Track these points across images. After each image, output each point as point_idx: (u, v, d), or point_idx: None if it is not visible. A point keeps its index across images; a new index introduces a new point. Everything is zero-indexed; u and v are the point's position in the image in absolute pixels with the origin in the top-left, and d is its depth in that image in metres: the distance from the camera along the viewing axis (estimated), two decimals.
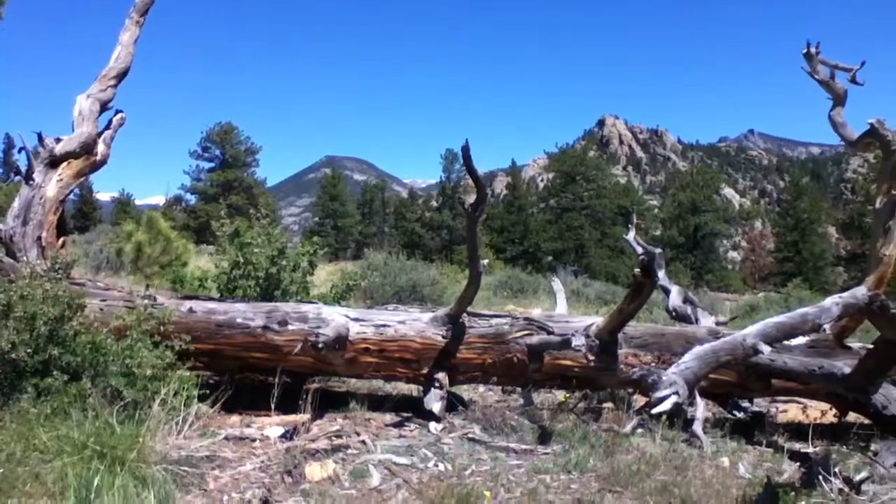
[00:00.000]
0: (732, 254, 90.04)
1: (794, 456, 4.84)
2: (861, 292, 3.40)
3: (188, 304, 5.72)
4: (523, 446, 4.85)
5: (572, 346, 4.85)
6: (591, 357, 5.37)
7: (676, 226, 57.99)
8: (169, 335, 5.07)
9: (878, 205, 5.38)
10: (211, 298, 6.29)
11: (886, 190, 5.28)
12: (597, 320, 5.61)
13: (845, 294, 3.40)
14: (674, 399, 2.68)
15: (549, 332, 5.47)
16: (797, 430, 5.55)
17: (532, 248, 55.96)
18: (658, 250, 7.30)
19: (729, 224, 65.60)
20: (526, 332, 5.56)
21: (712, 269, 57.41)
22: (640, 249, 7.74)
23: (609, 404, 5.83)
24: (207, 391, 5.17)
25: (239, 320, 5.53)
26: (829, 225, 57.57)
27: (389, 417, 5.57)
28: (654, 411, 2.73)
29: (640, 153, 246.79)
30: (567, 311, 6.75)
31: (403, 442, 4.93)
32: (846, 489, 3.89)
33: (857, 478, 3.97)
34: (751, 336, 3.12)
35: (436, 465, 4.45)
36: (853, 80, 5.79)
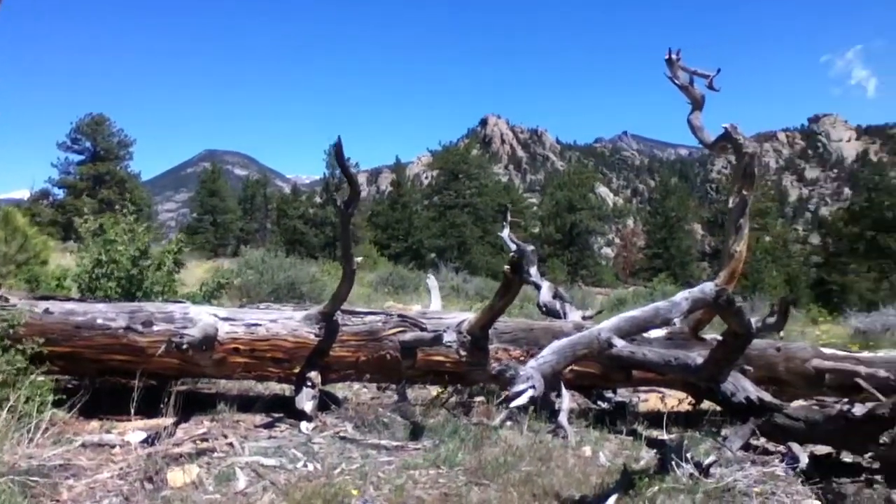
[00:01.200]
0: (606, 250, 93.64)
1: (652, 443, 5.08)
2: (709, 287, 3.60)
3: (44, 304, 5.38)
4: (395, 443, 4.86)
5: (443, 342, 4.90)
6: (463, 353, 5.44)
7: (554, 223, 59.72)
8: (20, 338, 4.77)
9: (730, 204, 5.73)
10: (70, 299, 5.94)
11: (738, 190, 5.63)
12: (469, 317, 5.70)
13: (694, 289, 3.59)
14: (530, 393, 2.74)
15: (423, 329, 5.50)
16: (657, 419, 5.81)
17: (416, 244, 56.26)
18: (530, 248, 7.49)
19: (603, 222, 68.21)
20: (399, 328, 5.57)
21: (587, 264, 59.51)
22: (513, 247, 7.92)
23: (481, 398, 5.93)
24: (65, 396, 4.90)
25: (100, 321, 5.25)
26: (695, 222, 61.13)
27: (260, 418, 5.44)
28: (511, 405, 2.79)
29: (520, 152, 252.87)
30: (441, 308, 6.81)
31: (273, 443, 4.82)
32: (696, 473, 4.12)
33: (706, 462, 4.20)
34: (605, 330, 3.24)
35: (305, 466, 4.38)
36: (710, 86, 6.13)
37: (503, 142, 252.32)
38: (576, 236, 59.80)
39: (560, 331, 5.62)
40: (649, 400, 6.68)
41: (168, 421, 4.96)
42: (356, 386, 6.70)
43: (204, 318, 5.32)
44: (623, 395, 6.88)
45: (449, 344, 4.89)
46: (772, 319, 4.96)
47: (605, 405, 6.30)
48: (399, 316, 5.71)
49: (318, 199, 60.89)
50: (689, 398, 6.12)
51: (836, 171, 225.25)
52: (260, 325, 5.49)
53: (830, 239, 49.59)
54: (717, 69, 6.03)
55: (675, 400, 6.35)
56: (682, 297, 3.51)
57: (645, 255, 61.33)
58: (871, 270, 42.26)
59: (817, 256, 58.30)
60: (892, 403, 4.05)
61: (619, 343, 3.14)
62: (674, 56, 6.02)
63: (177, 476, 3.99)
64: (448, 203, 59.22)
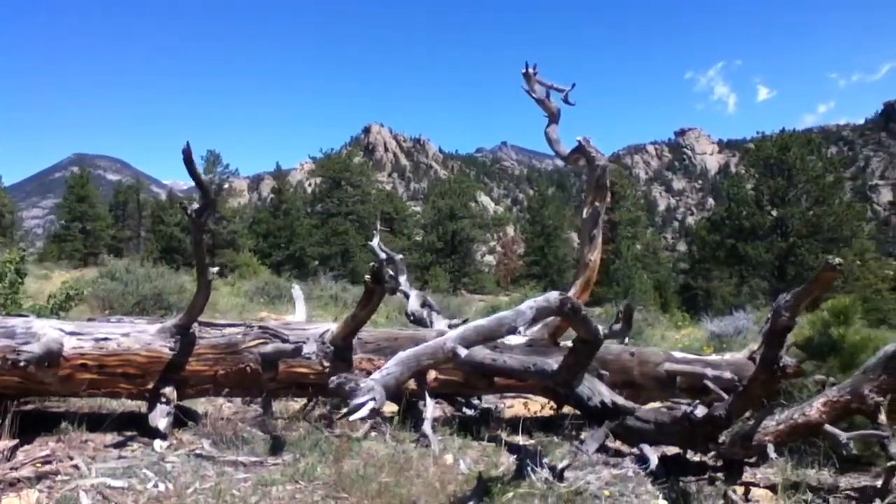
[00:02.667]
0: (488, 258, 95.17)
1: (512, 449, 5.18)
2: (554, 296, 3.71)
3: None
4: (253, 458, 4.72)
5: (303, 353, 4.81)
6: (326, 364, 5.38)
7: (436, 231, 60.20)
8: None
9: (584, 215, 5.94)
10: None
11: (591, 201, 5.85)
12: (332, 327, 5.63)
13: (539, 298, 3.69)
14: (371, 405, 2.72)
15: (285, 341, 5.39)
16: (521, 424, 5.94)
17: (298, 252, 55.34)
18: (399, 256, 7.51)
19: (484, 230, 69.43)
20: (260, 340, 5.44)
21: (468, 272, 60.32)
22: (382, 255, 7.91)
23: (345, 410, 5.86)
24: None
25: None
26: (571, 231, 63.07)
27: (111, 437, 5.15)
28: (351, 418, 2.76)
29: (404, 161, 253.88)
30: (306, 319, 6.69)
31: (123, 463, 4.58)
32: (551, 478, 4.22)
33: (560, 466, 4.32)
34: (450, 340, 3.27)
35: (156, 486, 4.18)
36: (566, 101, 6.35)
37: (387, 150, 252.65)
38: (458, 244, 60.48)
39: (423, 339, 5.62)
40: (514, 406, 6.82)
41: (8, 443, 4.62)
42: (219, 401, 6.47)
43: (48, 332, 5.00)
44: (490, 401, 6.98)
45: (308, 355, 4.81)
46: (618, 326, 5.16)
47: (470, 412, 6.37)
48: (260, 327, 5.57)
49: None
50: (551, 403, 6.28)
51: (700, 182, 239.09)
52: (110, 339, 5.22)
53: (695, 246, 52.37)
54: (572, 84, 6.26)
55: (538, 405, 6.50)
56: (528, 305, 3.60)
57: (524, 263, 62.74)
58: (731, 276, 44.97)
59: (684, 263, 61.68)
60: (727, 406, 4.30)
61: (464, 352, 3.17)
62: (531, 70, 6.19)
63: (12, 502, 3.72)
64: (331, 211, 58.57)
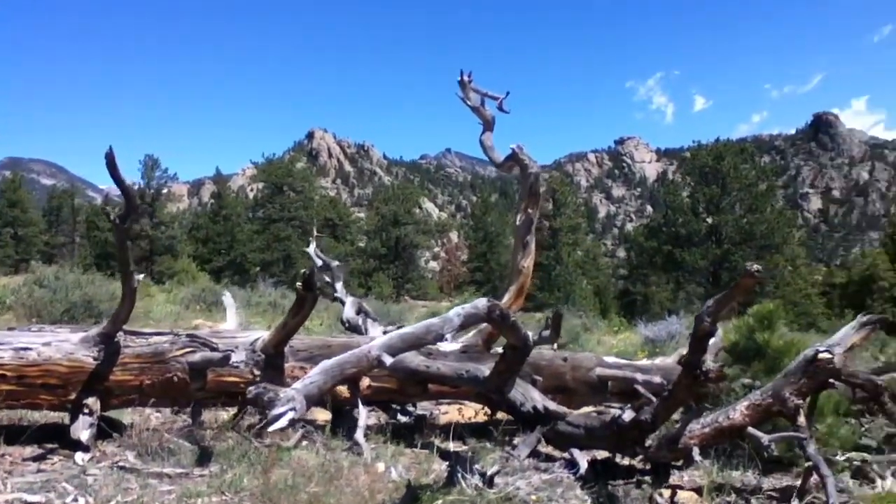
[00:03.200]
0: (432, 264, 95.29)
1: (445, 455, 5.17)
2: (482, 303, 3.72)
3: None
4: (179, 470, 4.61)
5: (231, 362, 4.72)
6: (257, 372, 5.28)
7: (380, 237, 60.02)
8: None
9: (517, 221, 5.99)
10: None
11: (524, 208, 5.91)
12: (264, 335, 5.54)
13: (468, 305, 3.70)
14: (290, 415, 2.69)
15: (214, 349, 5.27)
16: (455, 431, 5.94)
17: (239, 258, 54.51)
18: (335, 263, 7.46)
19: (428, 236, 69.49)
20: (188, 349, 5.31)
21: (412, 278, 60.28)
22: (319, 262, 7.84)
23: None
24: None
25: None
26: (513, 237, 63.62)
27: (30, 450, 4.97)
28: (270, 429, 2.71)
29: (348, 167, 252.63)
30: (238, 326, 6.58)
31: (41, 477, 4.42)
32: (481, 484, 4.23)
33: (490, 472, 4.33)
34: (375, 348, 3.26)
35: (75, 500, 4.05)
36: (500, 108, 6.40)
37: (331, 156, 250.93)
38: (401, 250, 60.39)
39: (357, 347, 5.60)
40: (450, 412, 6.81)
41: None
42: (147, 411, 6.31)
43: None
44: (426, 408, 6.97)
45: (236, 364, 4.71)
46: (547, 332, 5.21)
47: (405, 419, 6.35)
48: (188, 336, 5.44)
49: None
50: (486, 409, 6.31)
51: (639, 189, 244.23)
52: (30, 349, 5.03)
53: (633, 253, 53.45)
54: (506, 92, 6.32)
55: (472, 411, 6.52)
56: (456, 313, 3.61)
57: (468, 269, 63.04)
58: (668, 282, 46.05)
59: (623, 269, 62.80)
60: (652, 410, 4.37)
61: (389, 360, 3.16)
62: (466, 78, 6.22)
63: None
64: (273, 216, 57.82)
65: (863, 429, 6.21)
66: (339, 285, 7.47)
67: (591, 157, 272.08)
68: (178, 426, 5.72)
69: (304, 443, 5.19)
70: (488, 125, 6.32)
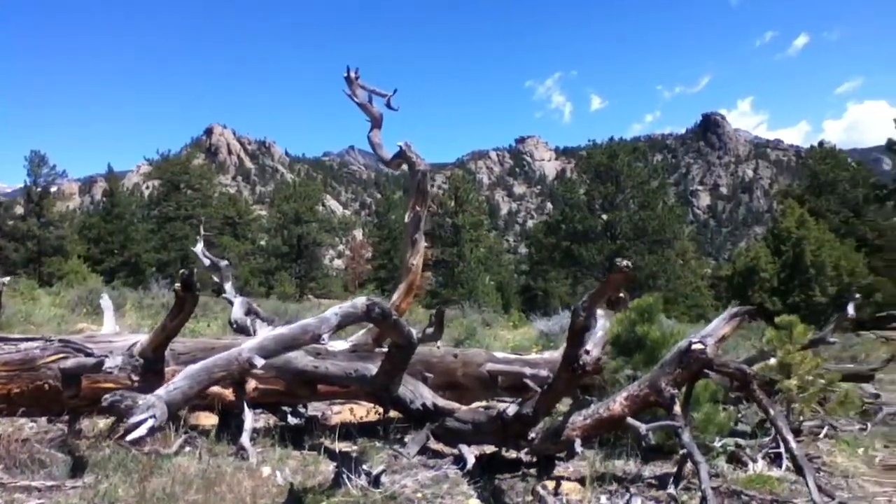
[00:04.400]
0: (338, 261, 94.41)
1: (332, 456, 5.11)
2: (361, 302, 3.69)
3: None
4: (50, 483, 4.37)
5: (105, 367, 4.51)
6: (136, 377, 5.08)
7: (281, 235, 58.88)
8: None
9: (406, 219, 5.98)
10: None
11: (413, 206, 5.90)
12: (142, 338, 5.33)
13: (346, 304, 3.66)
14: (150, 423, 2.58)
15: (88, 354, 5.04)
16: (346, 431, 5.89)
17: (133, 259, 52.36)
18: (224, 263, 7.26)
19: (332, 234, 68.69)
20: (61, 355, 5.05)
21: (315, 276, 59.44)
22: (206, 262, 7.61)
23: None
24: None
25: None
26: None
27: None
28: (128, 438, 2.60)
29: (249, 163, 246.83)
30: (115, 330, 6.29)
31: None
32: (367, 484, 4.21)
33: (376, 471, 4.31)
34: (247, 350, 3.17)
35: None
36: (389, 105, 6.37)
37: (230, 152, 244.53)
38: (304, 248, 59.43)
39: None
40: (342, 412, 6.75)
41: None
42: (22, 420, 5.96)
43: None
44: (319, 408, 6.88)
45: (110, 370, 4.51)
46: (431, 330, 5.23)
47: (296, 421, 6.24)
48: (61, 341, 5.17)
49: (18, 211, 54.14)
50: (377, 408, 6.27)
51: (539, 187, 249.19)
52: None
53: (534, 249, 54.63)
54: (394, 89, 6.29)
55: (364, 410, 6.48)
56: (333, 312, 3.56)
57: (372, 267, 62.73)
58: (567, 277, 47.36)
59: (524, 265, 63.98)
60: (533, 404, 4.45)
61: (260, 362, 3.08)
62: (353, 74, 6.16)
63: None
64: (169, 215, 55.81)
65: (739, 415, 6.55)
66: (228, 285, 7.27)
67: (493, 155, 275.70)
68: (51, 436, 5.44)
69: (188, 449, 5.03)
70: (376, 122, 6.27)
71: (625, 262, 3.46)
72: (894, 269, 43.21)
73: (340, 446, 5.47)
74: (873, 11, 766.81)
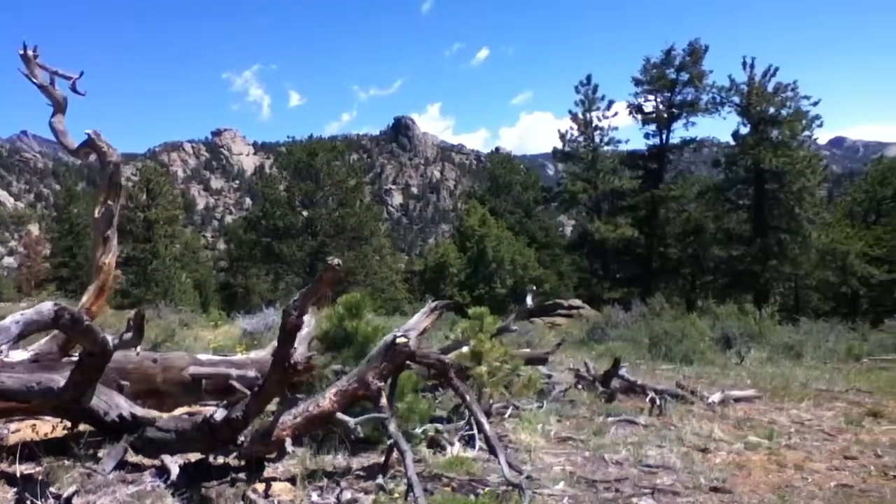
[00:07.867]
0: (9, 260, 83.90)
1: (13, 481, 4.54)
2: (47, 308, 3.34)
3: None
4: None
5: None
6: None
7: None
8: None
9: (96, 214, 5.49)
10: None
11: (104, 200, 5.43)
12: None
13: (29, 311, 3.29)
14: None
15: None
16: (29, 451, 5.25)
17: None
18: None
19: (2, 229, 60.59)
20: None
21: None
22: None
23: None
24: None
25: None
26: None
27: None
28: None
29: None
30: None
31: None
32: None
33: (66, 493, 3.92)
34: None
35: None
36: (74, 89, 5.78)
37: None
38: None
39: None
40: (21, 430, 6.00)
41: None
42: None
43: None
44: None
45: None
46: (129, 335, 4.89)
47: None
48: None
49: None
50: (65, 422, 5.67)
51: (238, 182, 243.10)
52: None
53: (233, 245, 53.33)
54: (80, 72, 5.74)
55: (49, 426, 5.82)
56: (13, 320, 3.18)
57: (51, 265, 56.46)
58: (268, 273, 46.97)
59: (224, 262, 61.99)
60: (243, 407, 4.36)
61: None
62: (30, 52, 5.51)
63: None
64: None
65: (437, 402, 7.02)
66: None
67: (188, 147, 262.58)
68: None
69: None
70: (59, 107, 5.65)
71: (336, 261, 3.54)
72: (558, 262, 49.75)
73: (22, 469, 4.86)
74: (543, 30, 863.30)
